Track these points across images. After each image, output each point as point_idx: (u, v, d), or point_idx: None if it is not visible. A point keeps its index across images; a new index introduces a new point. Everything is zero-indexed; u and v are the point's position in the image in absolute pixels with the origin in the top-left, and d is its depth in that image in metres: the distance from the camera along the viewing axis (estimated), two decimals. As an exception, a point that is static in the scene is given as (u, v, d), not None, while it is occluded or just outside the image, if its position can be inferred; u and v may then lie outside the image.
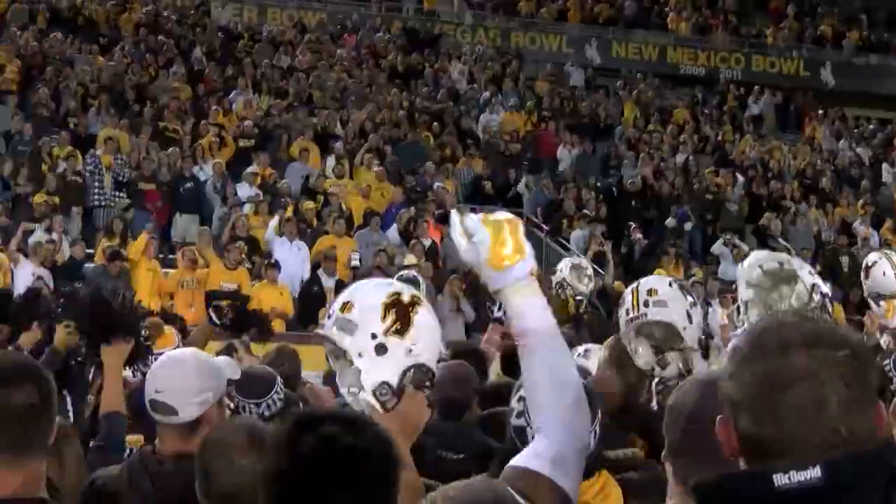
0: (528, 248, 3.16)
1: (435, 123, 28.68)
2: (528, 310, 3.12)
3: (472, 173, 26.39)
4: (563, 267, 12.50)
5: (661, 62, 38.54)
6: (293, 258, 20.26)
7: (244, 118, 26.29)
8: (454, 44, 36.60)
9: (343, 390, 3.87)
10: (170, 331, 8.13)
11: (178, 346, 7.61)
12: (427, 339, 3.80)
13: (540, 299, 3.15)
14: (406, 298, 3.81)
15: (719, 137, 32.09)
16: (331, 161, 24.81)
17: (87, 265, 19.40)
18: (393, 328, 3.67)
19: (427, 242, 21.55)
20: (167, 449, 4.72)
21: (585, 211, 24.74)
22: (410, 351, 3.69)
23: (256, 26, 34.90)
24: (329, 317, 3.86)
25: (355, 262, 20.78)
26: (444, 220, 22.72)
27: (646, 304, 6.25)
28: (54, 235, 19.62)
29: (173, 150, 23.33)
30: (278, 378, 6.66)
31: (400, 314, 3.71)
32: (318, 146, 25.42)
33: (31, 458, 3.20)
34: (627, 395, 5.98)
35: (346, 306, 3.77)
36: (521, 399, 4.25)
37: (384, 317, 3.69)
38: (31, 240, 19.34)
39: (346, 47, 33.70)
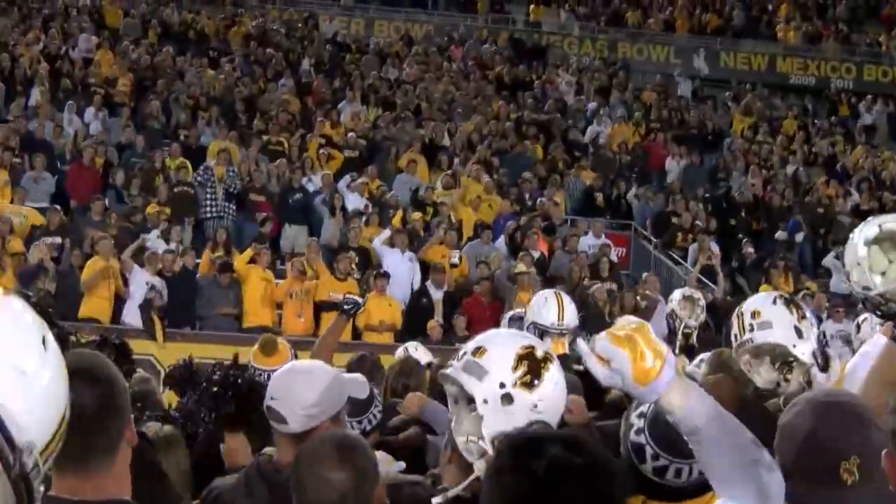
0: (664, 348, 2.97)
1: (542, 135, 28.59)
2: (691, 409, 2.95)
3: (582, 185, 26.21)
4: (675, 298, 12.23)
5: (771, 72, 38.16)
6: (403, 269, 20.26)
7: (352, 130, 26.42)
8: (561, 55, 36.56)
9: (460, 438, 3.84)
10: (283, 345, 8.12)
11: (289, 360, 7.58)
12: (553, 398, 3.76)
13: (696, 392, 2.99)
14: (539, 353, 3.77)
15: (830, 148, 31.58)
16: (438, 172, 24.83)
17: (199, 276, 19.59)
18: (523, 380, 3.62)
19: (536, 254, 21.47)
20: (283, 458, 4.71)
21: (698, 222, 24.49)
22: (535, 406, 3.64)
23: (364, 38, 35.17)
24: (459, 358, 3.83)
25: (454, 261, 20.82)
26: (550, 231, 22.68)
27: (751, 328, 6.17)
28: (172, 245, 19.85)
29: (282, 162, 23.50)
30: (376, 392, 6.64)
31: (532, 367, 3.66)
32: (426, 158, 25.45)
33: (97, 462, 3.14)
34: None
35: (478, 351, 3.73)
36: (642, 416, 4.19)
37: (516, 367, 3.64)
38: (148, 248, 19.61)
39: (453, 59, 33.78)
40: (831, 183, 28.44)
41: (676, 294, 12.41)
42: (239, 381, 5.90)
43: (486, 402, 3.62)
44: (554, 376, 3.77)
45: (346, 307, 8.97)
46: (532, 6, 39.36)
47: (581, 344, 3.04)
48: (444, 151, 25.96)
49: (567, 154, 27.59)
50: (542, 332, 8.08)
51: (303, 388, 4.92)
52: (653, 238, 24.63)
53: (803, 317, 6.21)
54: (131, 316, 18.34)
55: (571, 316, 8.44)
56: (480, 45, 35.43)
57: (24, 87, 26.23)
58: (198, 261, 20.07)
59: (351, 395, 5.09)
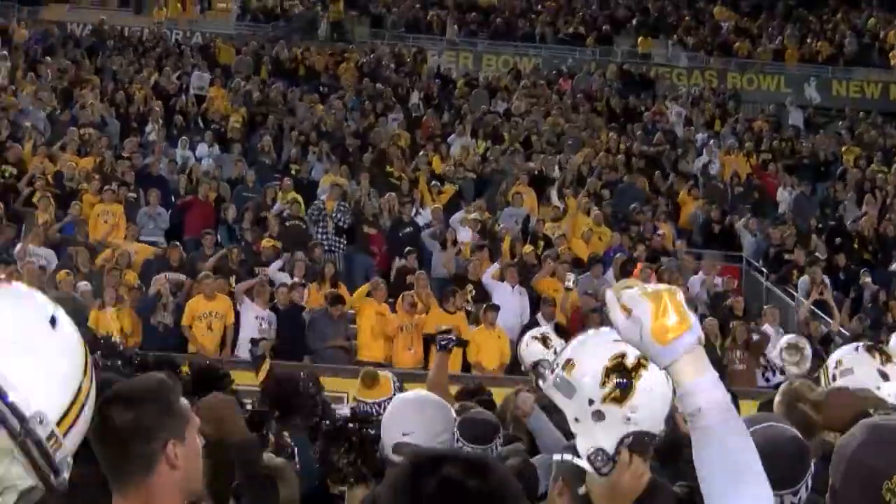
0: (692, 317, 2.89)
1: (652, 167, 28.46)
2: (699, 387, 2.85)
3: (697, 217, 25.99)
4: (782, 345, 11.96)
5: (884, 100, 37.64)
6: (513, 303, 20.21)
7: (461, 163, 26.49)
8: (670, 86, 36.43)
9: (556, 455, 3.81)
10: (385, 378, 8.15)
11: (395, 394, 7.61)
12: (649, 406, 3.69)
13: (711, 374, 2.88)
14: (630, 361, 3.69)
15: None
16: (547, 205, 24.80)
17: (308, 310, 19.70)
18: (612, 395, 3.57)
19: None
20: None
21: (817, 254, 24.11)
22: (629, 419, 3.58)
23: (472, 72, 35.34)
24: (552, 371, 3.80)
25: (569, 284, 20.72)
26: (653, 260, 22.48)
27: (834, 378, 6.14)
28: (295, 279, 20.03)
29: (391, 195, 23.60)
30: (500, 423, 6.62)
31: (621, 380, 3.60)
32: (535, 190, 25.43)
33: (129, 483, 3.27)
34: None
35: (567, 365, 3.69)
36: None
37: (604, 383, 3.59)
38: (269, 278, 19.85)
39: (561, 91, 33.80)
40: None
41: (783, 341, 12.19)
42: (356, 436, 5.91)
43: (577, 420, 3.58)
44: (647, 384, 3.69)
45: (442, 343, 9.04)
46: (640, 38, 39.29)
47: (610, 295, 2.94)
48: (554, 184, 25.91)
49: (679, 185, 27.38)
50: None
51: (432, 417, 4.96)
52: (765, 271, 24.33)
53: (888, 360, 6.17)
54: (242, 349, 18.54)
55: None
56: (589, 77, 35.42)
57: (138, 124, 26.73)
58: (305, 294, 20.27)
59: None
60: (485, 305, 19.48)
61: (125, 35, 34.72)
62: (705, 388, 2.84)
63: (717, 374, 2.89)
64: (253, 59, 32.72)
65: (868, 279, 23.53)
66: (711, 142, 30.75)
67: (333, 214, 22.20)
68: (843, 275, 24.03)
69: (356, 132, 27.56)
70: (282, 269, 20.47)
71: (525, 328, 19.90)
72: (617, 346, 3.76)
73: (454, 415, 5.54)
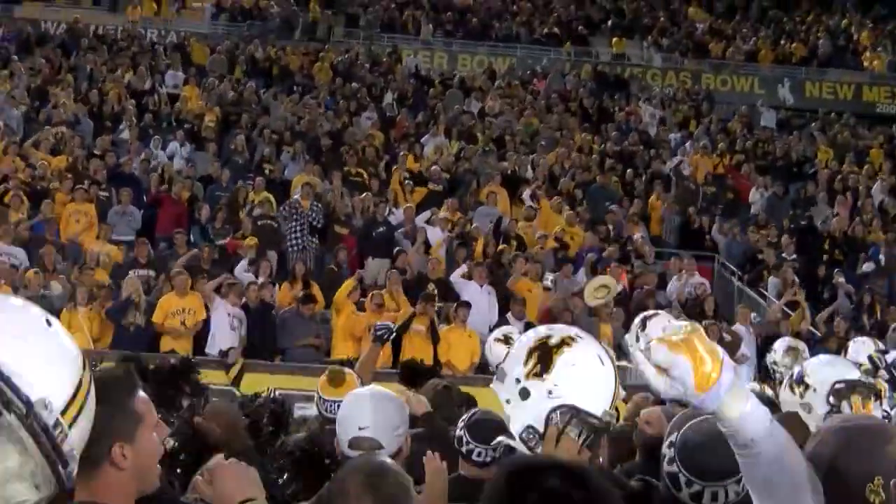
0: (719, 350, 2.87)
1: (625, 167, 28.53)
2: (746, 420, 2.87)
3: (670, 218, 26.08)
4: (779, 349, 11.87)
5: (857, 101, 37.79)
6: (482, 302, 20.22)
7: (434, 163, 26.52)
8: (644, 87, 36.50)
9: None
10: (350, 376, 8.16)
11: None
12: (571, 379, 3.70)
13: (753, 399, 2.88)
14: (554, 341, 3.73)
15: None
16: (520, 205, 24.83)
17: (279, 308, 19.68)
18: (533, 371, 3.60)
19: (618, 287, 21.41)
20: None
21: (784, 255, 24.21)
22: (550, 392, 3.61)
23: (447, 72, 35.34)
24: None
25: (548, 283, 20.79)
26: (625, 261, 22.54)
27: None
28: (261, 279, 20.00)
29: (366, 195, 23.59)
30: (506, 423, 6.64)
31: (541, 357, 3.63)
32: (508, 190, 25.46)
33: (80, 477, 3.09)
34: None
35: (507, 357, 3.74)
36: (671, 445, 4.19)
37: (526, 361, 3.63)
38: (237, 277, 19.82)
39: (536, 92, 33.85)
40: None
41: (780, 345, 12.14)
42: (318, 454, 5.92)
43: (508, 402, 3.61)
44: (568, 359, 3.70)
45: (378, 333, 9.09)
46: (615, 39, 39.35)
47: (635, 353, 2.91)
48: (526, 184, 25.95)
49: (651, 185, 27.44)
50: None
51: (388, 411, 5.01)
52: (737, 271, 24.41)
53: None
54: (213, 347, 18.55)
55: None
56: (563, 78, 35.47)
57: (112, 123, 26.68)
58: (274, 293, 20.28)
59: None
60: (456, 304, 19.47)
61: (99, 34, 34.61)
62: (752, 419, 2.87)
63: (754, 397, 2.90)
64: (227, 58, 32.68)
65: (841, 279, 23.67)
66: (686, 143, 30.81)
67: (308, 213, 22.18)
68: (815, 276, 24.15)
69: (330, 132, 27.54)
70: (248, 269, 20.42)
71: (494, 328, 19.97)
72: (547, 331, 3.84)
73: (408, 409, 5.59)
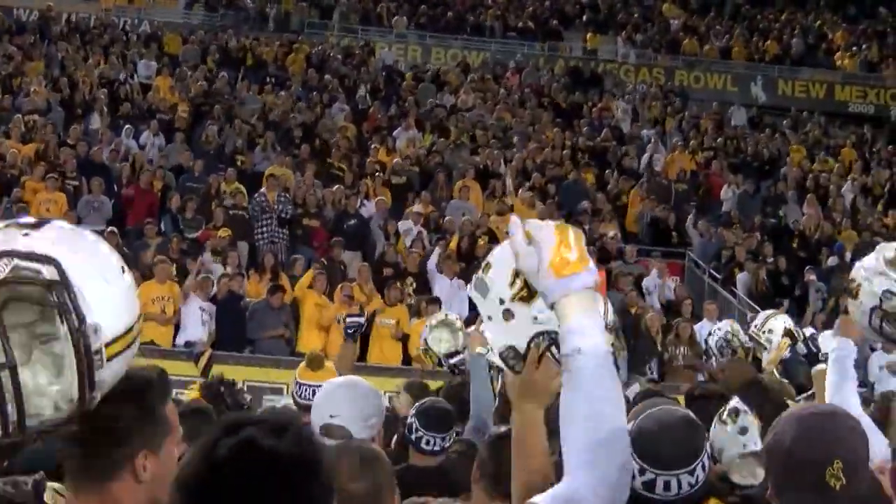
0: (591, 261, 2.94)
1: (597, 163, 28.57)
2: (585, 329, 2.86)
3: (643, 215, 26.12)
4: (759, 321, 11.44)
5: (829, 100, 37.94)
6: (451, 295, 20.21)
7: (407, 156, 26.50)
8: (617, 83, 36.55)
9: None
10: (329, 364, 8.19)
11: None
12: None
13: (600, 320, 2.91)
14: None
15: (889, 177, 31.21)
16: (492, 199, 24.83)
17: (250, 301, 19.65)
18: (519, 294, 3.59)
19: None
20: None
21: (759, 255, 24.24)
22: (536, 318, 3.60)
23: (421, 65, 35.30)
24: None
25: None
26: (604, 261, 22.56)
27: None
28: (229, 269, 19.94)
29: (338, 188, 23.56)
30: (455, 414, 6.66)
31: (527, 282, 3.59)
32: (480, 185, 25.47)
33: (89, 485, 3.07)
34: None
35: (485, 267, 3.73)
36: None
37: (512, 283, 3.55)
38: (206, 273, 19.74)
39: (509, 86, 33.85)
40: (889, 213, 28.17)
41: (721, 324, 12.14)
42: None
43: (490, 318, 3.60)
44: None
45: (348, 331, 9.08)
46: (589, 34, 39.39)
47: (515, 220, 3.01)
48: (499, 178, 25.96)
49: (623, 183, 27.42)
50: None
51: (363, 401, 5.01)
52: (708, 269, 24.45)
53: None
54: (182, 340, 18.56)
55: None
56: (537, 73, 35.48)
57: (83, 112, 26.56)
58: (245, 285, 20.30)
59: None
60: (426, 299, 19.46)
61: (72, 21, 34.42)
62: (590, 331, 2.87)
63: (603, 324, 2.93)
64: (200, 48, 32.57)
65: (813, 277, 23.74)
66: (657, 139, 30.82)
67: (275, 206, 22.14)
68: (786, 273, 24.18)
69: (302, 124, 27.47)
70: (215, 260, 20.37)
71: (466, 321, 19.95)
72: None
73: (387, 402, 5.61)
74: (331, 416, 5.11)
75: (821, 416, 3.33)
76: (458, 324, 11.15)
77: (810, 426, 3.26)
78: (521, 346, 3.52)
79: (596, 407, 2.85)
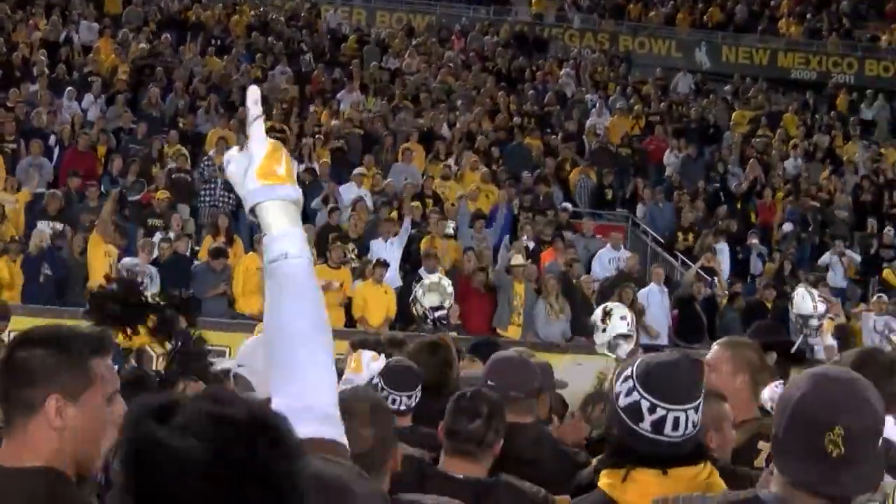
0: (295, 179, 2.96)
1: (541, 127, 28.58)
2: (290, 234, 2.84)
3: (589, 180, 26.18)
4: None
5: (772, 67, 38.10)
6: (389, 256, 20.11)
7: (350, 119, 26.40)
8: (562, 47, 36.53)
9: None
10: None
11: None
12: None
13: (303, 233, 2.89)
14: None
15: (830, 143, 31.44)
16: (436, 163, 24.83)
17: (194, 263, 19.58)
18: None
19: (531, 245, 21.54)
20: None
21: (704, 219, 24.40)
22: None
23: (365, 29, 35.13)
24: None
25: (449, 231, 21.17)
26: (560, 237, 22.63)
27: None
28: (171, 234, 19.82)
29: (279, 151, 23.38)
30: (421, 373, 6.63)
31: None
32: (424, 148, 25.45)
33: (13, 423, 3.08)
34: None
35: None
36: (628, 378, 4.09)
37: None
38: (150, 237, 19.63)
39: (454, 50, 33.76)
40: (831, 178, 28.41)
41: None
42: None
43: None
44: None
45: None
46: (535, -1, 39.36)
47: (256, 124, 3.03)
48: (443, 142, 25.93)
49: (566, 146, 27.45)
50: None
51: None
52: (652, 233, 24.57)
53: None
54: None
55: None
56: (482, 37, 35.39)
57: (22, 74, 26.22)
58: (196, 248, 20.19)
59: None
60: (374, 261, 19.41)
61: (11, -18, 33.98)
62: (295, 239, 2.86)
63: (302, 233, 2.91)
64: (142, 10, 32.23)
65: (755, 240, 23.92)
66: (601, 104, 30.87)
67: (223, 169, 21.97)
68: (729, 238, 24.28)
69: (245, 86, 27.18)
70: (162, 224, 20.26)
71: (408, 282, 19.90)
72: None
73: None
74: (238, 366, 5.11)
75: (837, 379, 3.20)
76: (450, 289, 12.50)
77: (823, 387, 3.14)
78: None
79: (315, 307, 2.85)
